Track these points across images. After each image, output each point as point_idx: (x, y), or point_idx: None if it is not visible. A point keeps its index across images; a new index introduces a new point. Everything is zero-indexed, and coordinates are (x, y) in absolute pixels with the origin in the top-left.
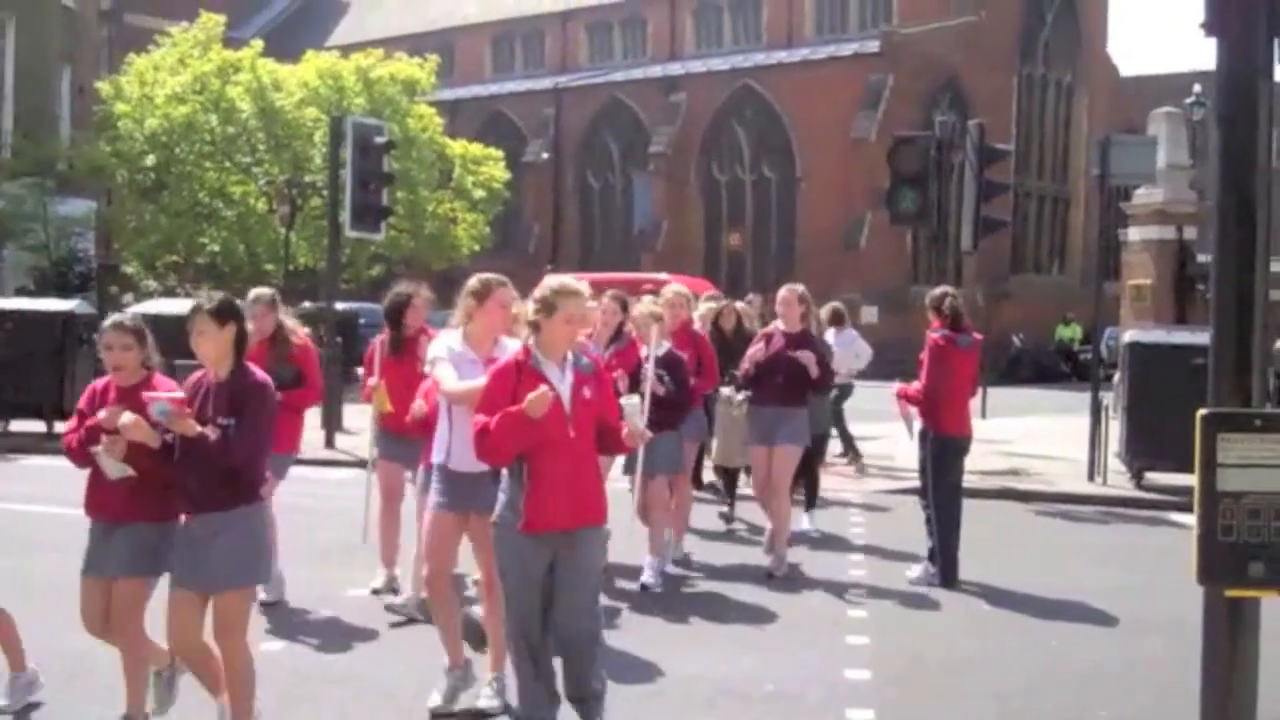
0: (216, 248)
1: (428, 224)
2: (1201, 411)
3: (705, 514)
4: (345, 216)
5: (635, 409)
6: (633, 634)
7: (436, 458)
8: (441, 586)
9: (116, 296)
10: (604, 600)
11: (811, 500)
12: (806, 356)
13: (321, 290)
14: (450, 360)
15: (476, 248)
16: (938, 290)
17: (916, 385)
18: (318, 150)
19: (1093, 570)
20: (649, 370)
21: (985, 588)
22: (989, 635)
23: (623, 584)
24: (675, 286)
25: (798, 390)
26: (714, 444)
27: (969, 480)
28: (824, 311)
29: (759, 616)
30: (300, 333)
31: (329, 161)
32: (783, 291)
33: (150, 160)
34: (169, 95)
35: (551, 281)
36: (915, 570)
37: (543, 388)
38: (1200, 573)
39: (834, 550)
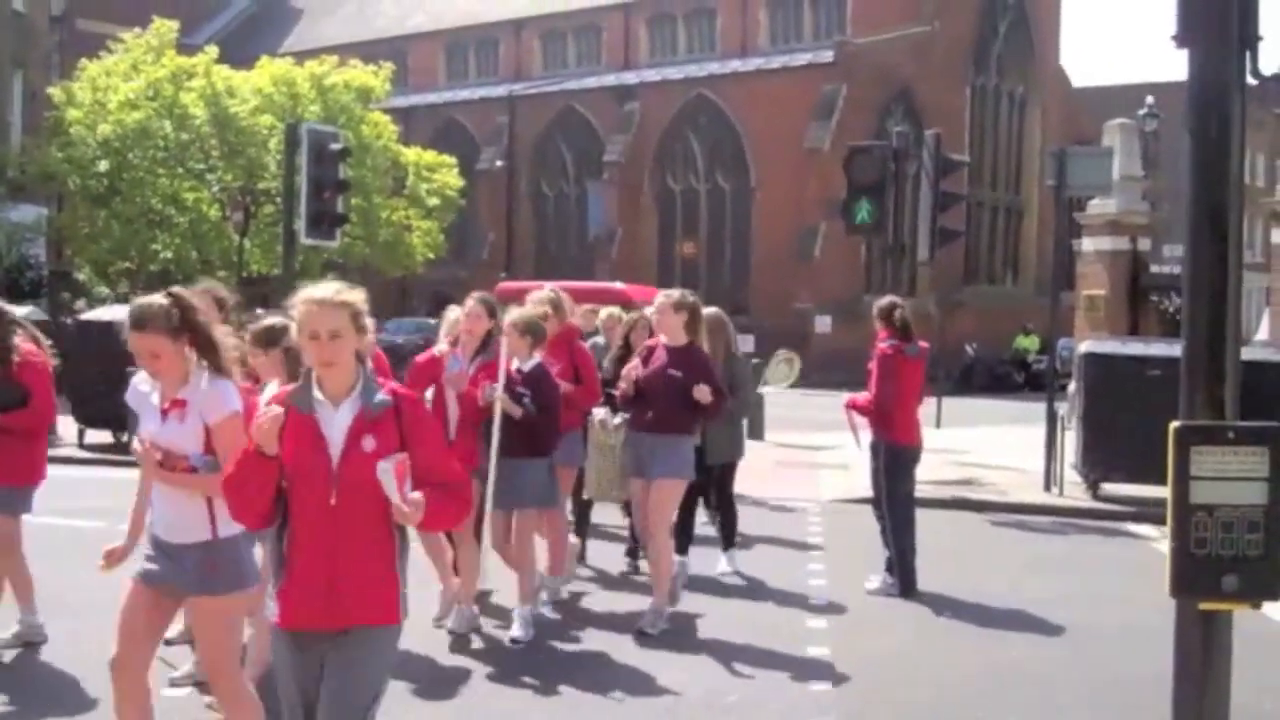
0: (170, 254)
1: (382, 231)
2: (1174, 424)
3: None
4: (300, 224)
5: (388, 473)
6: (594, 646)
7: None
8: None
9: (68, 303)
10: (556, 614)
11: (729, 538)
12: (701, 388)
13: (275, 298)
14: (130, 401)
15: (431, 255)
16: (885, 300)
17: (865, 396)
18: (272, 157)
19: (1051, 580)
20: (495, 390)
21: (944, 598)
22: (949, 645)
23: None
24: (545, 291)
25: (680, 415)
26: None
27: (923, 490)
28: None
29: (719, 627)
30: (26, 348)
31: (284, 168)
32: (659, 298)
33: (103, 166)
34: (122, 101)
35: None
36: (874, 581)
37: (273, 409)
38: (1173, 586)
39: (793, 560)
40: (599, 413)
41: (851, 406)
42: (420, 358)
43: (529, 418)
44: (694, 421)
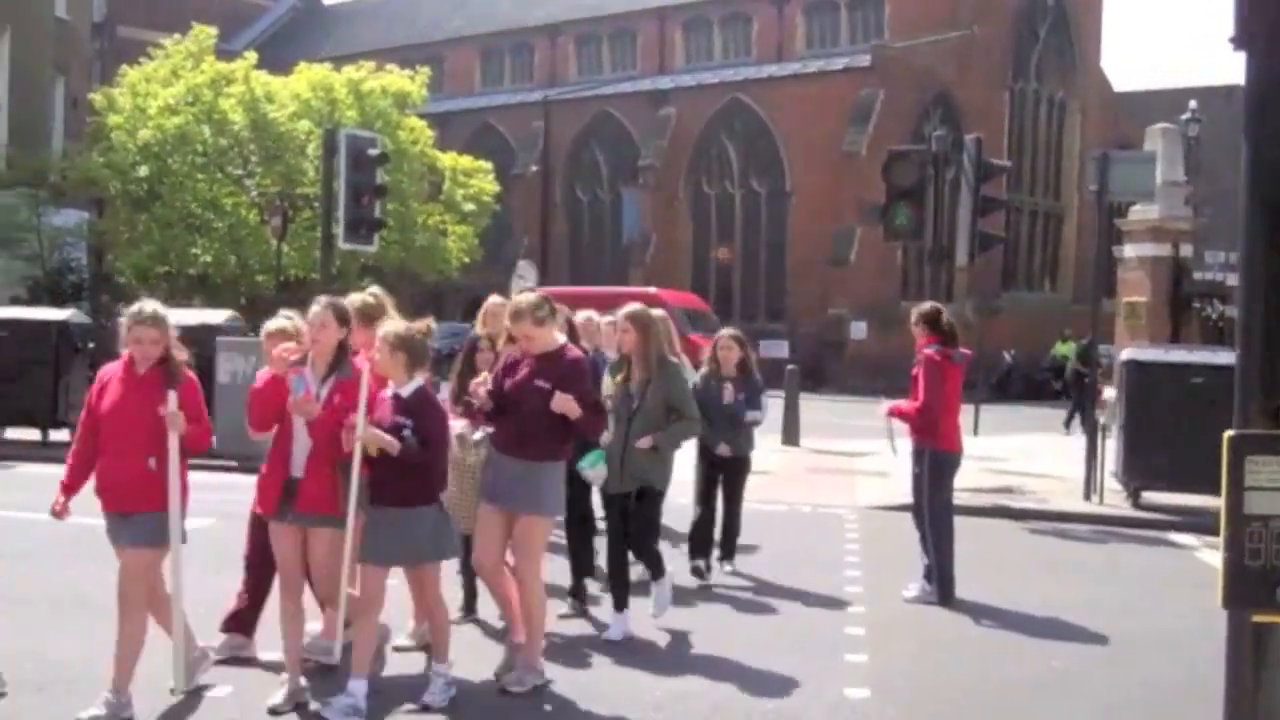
0: (209, 259)
1: (418, 236)
2: (1229, 433)
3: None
4: (338, 229)
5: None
6: (631, 652)
7: None
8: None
9: (109, 306)
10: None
11: (657, 568)
12: (561, 399)
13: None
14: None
15: (466, 260)
16: (927, 306)
17: (907, 402)
18: (310, 162)
19: (1091, 589)
20: (357, 421)
21: (983, 606)
22: (988, 653)
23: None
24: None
25: (548, 435)
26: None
27: (962, 498)
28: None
29: (757, 634)
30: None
31: (322, 173)
32: (517, 296)
33: (143, 171)
34: (162, 107)
35: None
36: (912, 589)
37: None
38: (1226, 597)
39: (830, 567)
40: (457, 426)
41: (895, 414)
42: (259, 380)
43: (410, 454)
44: (565, 443)
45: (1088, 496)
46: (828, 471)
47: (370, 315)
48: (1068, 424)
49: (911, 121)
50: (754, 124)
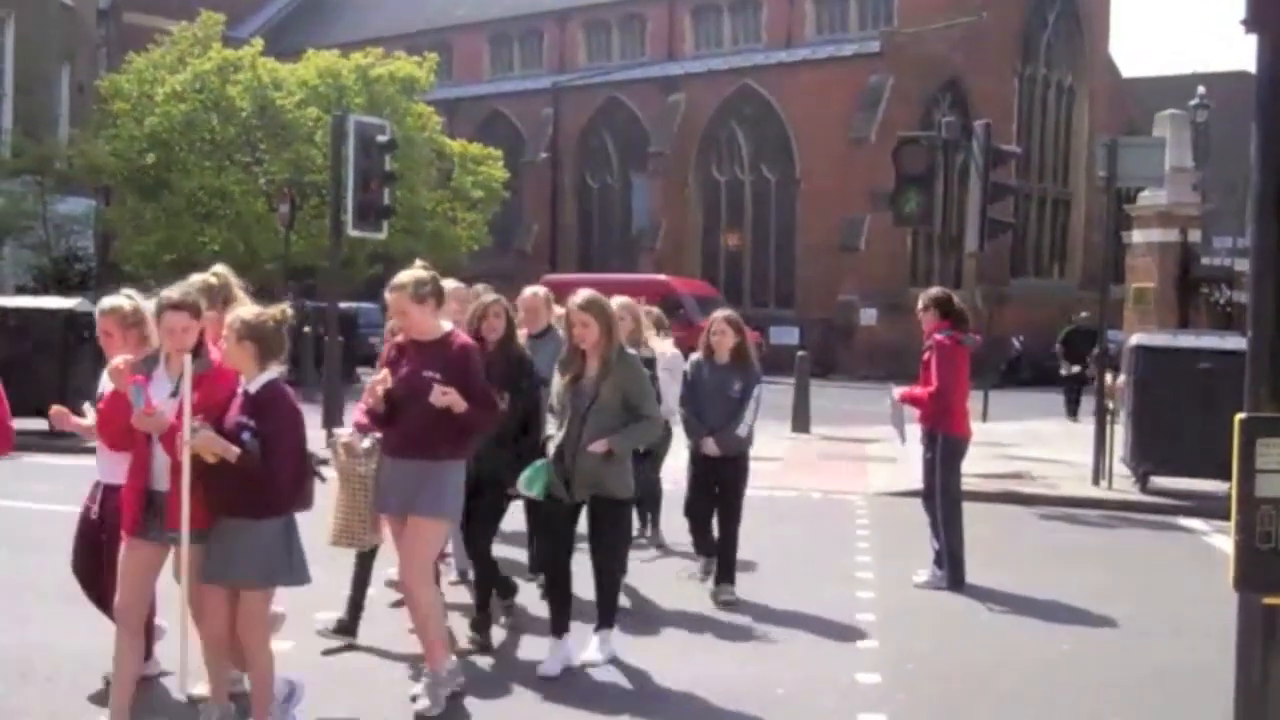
0: (216, 247)
1: (427, 223)
2: (1240, 416)
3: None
4: (347, 216)
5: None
6: (641, 638)
7: None
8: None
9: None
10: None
11: (608, 613)
12: (440, 392)
13: (321, 289)
14: None
15: (475, 247)
16: (936, 290)
17: (918, 388)
18: (318, 149)
19: (1100, 574)
20: (196, 428)
21: (993, 591)
22: (998, 639)
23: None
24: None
25: (436, 432)
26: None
27: (972, 483)
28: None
29: (768, 620)
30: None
31: (331, 160)
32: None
33: (150, 159)
34: (168, 94)
35: None
36: (923, 575)
37: None
38: (1237, 579)
39: (841, 553)
40: (342, 433)
41: (907, 399)
42: (101, 395)
43: (250, 461)
44: (458, 441)
45: (1096, 482)
46: (838, 458)
47: (213, 298)
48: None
49: (921, 108)
50: (763, 110)
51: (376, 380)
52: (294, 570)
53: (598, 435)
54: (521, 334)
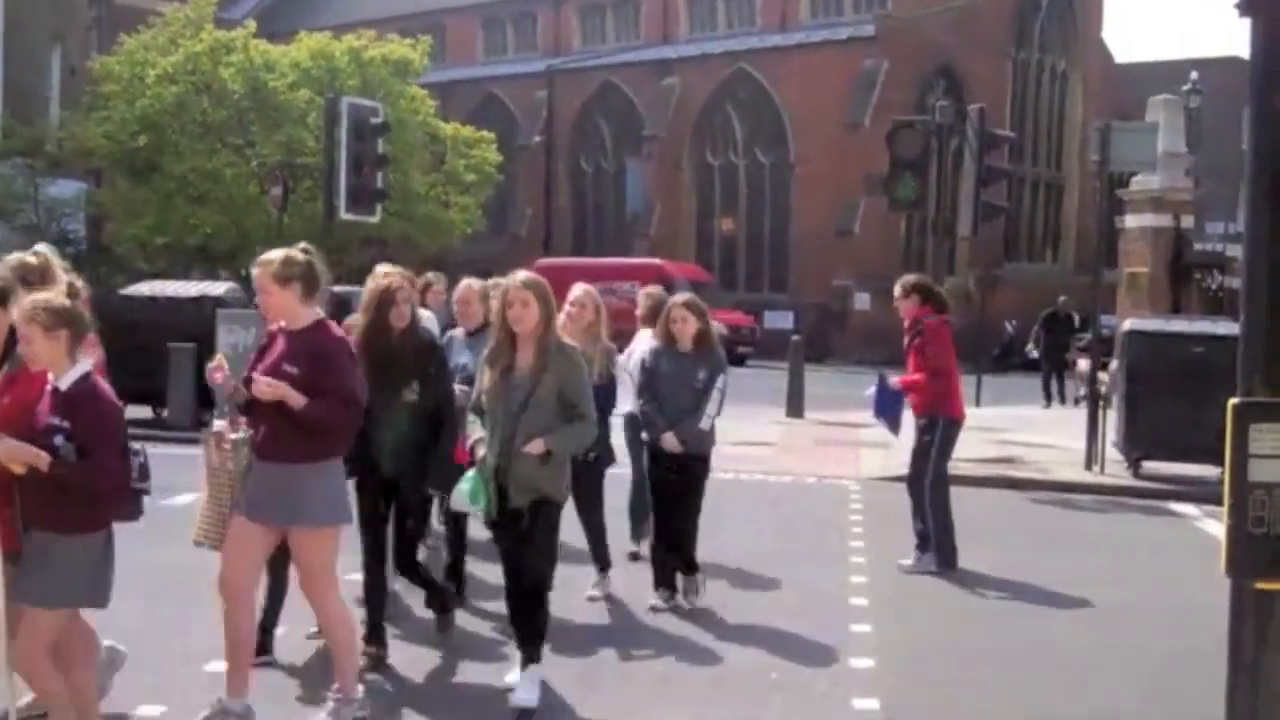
0: (208, 230)
1: (420, 207)
2: (1233, 401)
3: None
4: (340, 199)
5: None
6: (634, 624)
7: None
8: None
9: (108, 278)
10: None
11: (532, 642)
12: (264, 384)
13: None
14: None
15: (469, 231)
16: (914, 277)
17: (905, 376)
18: (310, 132)
19: (1093, 558)
20: None
21: (985, 576)
22: (991, 623)
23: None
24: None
25: (299, 432)
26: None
27: (965, 468)
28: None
29: (761, 605)
30: None
31: (323, 143)
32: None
33: (141, 141)
34: (160, 75)
35: None
36: (909, 559)
37: None
38: (1228, 565)
39: (834, 537)
40: (218, 424)
41: (905, 385)
42: None
43: (64, 469)
44: (328, 441)
45: (1089, 466)
46: (832, 443)
47: (30, 282)
48: (1059, 397)
49: (915, 92)
50: (758, 94)
51: (212, 366)
52: (94, 590)
53: (533, 435)
54: (458, 331)
